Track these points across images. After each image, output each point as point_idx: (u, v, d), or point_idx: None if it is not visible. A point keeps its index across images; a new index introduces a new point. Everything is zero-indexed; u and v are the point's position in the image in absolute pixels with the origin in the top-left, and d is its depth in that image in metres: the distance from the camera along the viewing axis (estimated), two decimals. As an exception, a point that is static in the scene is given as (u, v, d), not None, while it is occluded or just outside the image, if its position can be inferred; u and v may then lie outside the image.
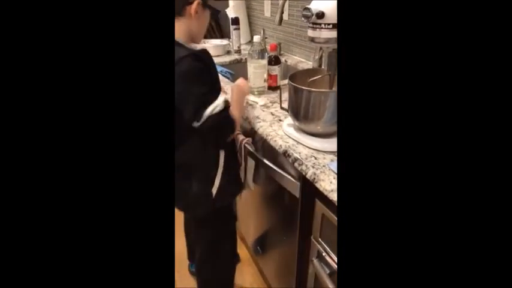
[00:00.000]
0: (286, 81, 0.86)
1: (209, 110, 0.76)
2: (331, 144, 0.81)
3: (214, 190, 0.92)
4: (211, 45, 1.72)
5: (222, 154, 0.92)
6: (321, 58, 1.30)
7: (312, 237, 0.83)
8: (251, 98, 1.11)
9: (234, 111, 0.84)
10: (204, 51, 0.84)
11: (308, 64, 1.46)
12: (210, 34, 2.02)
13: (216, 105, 0.77)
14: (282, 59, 1.55)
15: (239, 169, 1.02)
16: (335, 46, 0.77)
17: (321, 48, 1.28)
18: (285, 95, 0.91)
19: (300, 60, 1.54)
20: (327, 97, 0.77)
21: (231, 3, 1.85)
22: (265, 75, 1.18)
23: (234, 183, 0.99)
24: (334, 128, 0.82)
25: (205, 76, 0.80)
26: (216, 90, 0.85)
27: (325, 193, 0.67)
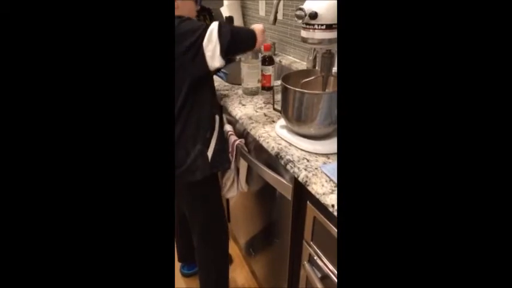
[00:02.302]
0: (279, 82, 0.85)
1: (207, 36, 0.78)
2: (324, 146, 0.80)
3: (209, 153, 0.93)
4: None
5: (217, 118, 0.95)
6: (315, 59, 1.29)
7: (303, 241, 0.82)
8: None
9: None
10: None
11: (302, 64, 1.45)
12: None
13: (212, 28, 0.79)
14: (276, 59, 1.54)
15: (227, 142, 1.04)
16: (328, 47, 0.76)
17: (315, 49, 1.27)
18: (279, 96, 0.90)
19: (295, 60, 1.53)
20: (320, 99, 0.76)
21: (225, 2, 1.83)
22: (259, 76, 1.17)
23: (223, 153, 0.99)
24: (327, 130, 0.82)
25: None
26: None
27: (317, 196, 0.67)
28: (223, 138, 0.99)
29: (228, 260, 1.18)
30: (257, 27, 0.89)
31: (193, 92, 0.86)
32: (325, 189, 0.66)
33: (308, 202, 0.76)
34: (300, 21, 0.72)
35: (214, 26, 0.80)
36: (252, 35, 0.85)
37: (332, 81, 0.85)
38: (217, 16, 1.90)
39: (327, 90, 0.83)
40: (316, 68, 1.27)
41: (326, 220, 0.70)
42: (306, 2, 0.72)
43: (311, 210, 0.75)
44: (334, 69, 0.84)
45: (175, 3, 0.85)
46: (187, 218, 1.10)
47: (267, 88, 1.20)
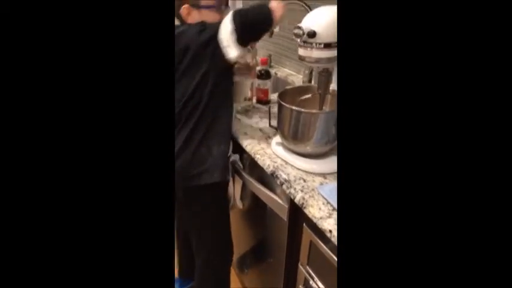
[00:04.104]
0: (275, 95, 0.83)
1: (221, 27, 0.77)
2: (320, 165, 0.78)
3: (229, 154, 0.91)
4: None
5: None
6: (311, 73, 1.28)
7: (299, 264, 0.80)
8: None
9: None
10: None
11: (298, 77, 1.44)
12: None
13: (225, 18, 0.77)
14: (272, 71, 1.53)
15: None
16: (326, 65, 0.75)
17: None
18: (274, 110, 0.88)
19: (290, 73, 1.52)
20: (316, 118, 0.75)
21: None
22: (249, 92, 1.14)
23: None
24: (324, 149, 0.80)
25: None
26: None
27: (314, 220, 0.64)
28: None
29: (229, 277, 1.12)
30: (274, 3, 0.78)
31: (219, 89, 0.83)
32: (322, 213, 0.64)
33: (304, 225, 0.73)
34: (298, 39, 0.70)
35: (228, 16, 0.76)
36: (265, 11, 0.76)
37: (329, 100, 0.84)
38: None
39: (324, 109, 0.81)
40: (312, 82, 1.26)
41: (323, 245, 0.67)
42: (304, 20, 0.70)
43: (307, 234, 0.73)
44: (332, 86, 0.82)
45: (198, 12, 0.85)
46: (189, 233, 1.05)
47: (264, 102, 1.18)
